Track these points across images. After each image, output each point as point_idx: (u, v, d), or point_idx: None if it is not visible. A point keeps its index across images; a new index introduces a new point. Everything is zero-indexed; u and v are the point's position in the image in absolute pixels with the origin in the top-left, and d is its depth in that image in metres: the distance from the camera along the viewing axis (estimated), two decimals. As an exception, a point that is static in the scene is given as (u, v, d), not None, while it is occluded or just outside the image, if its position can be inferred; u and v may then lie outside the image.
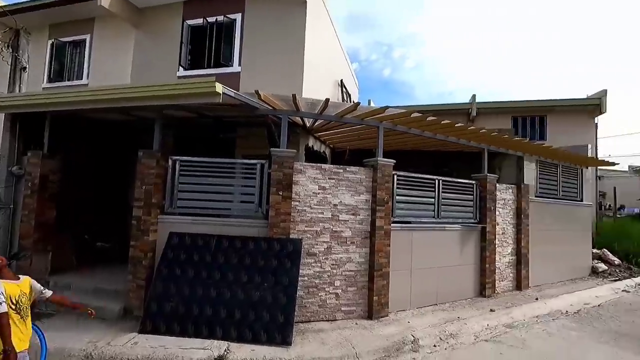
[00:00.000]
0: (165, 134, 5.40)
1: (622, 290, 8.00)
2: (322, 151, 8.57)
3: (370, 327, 4.82)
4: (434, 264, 6.09)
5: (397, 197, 5.66)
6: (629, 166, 40.92)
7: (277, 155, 4.91)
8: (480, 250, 6.75)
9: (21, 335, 2.61)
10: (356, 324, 4.94)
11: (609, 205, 33.92)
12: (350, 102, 10.72)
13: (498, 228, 7.05)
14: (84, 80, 8.75)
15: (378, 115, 5.28)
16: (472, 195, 6.76)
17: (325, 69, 8.87)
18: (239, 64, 7.54)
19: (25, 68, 5.98)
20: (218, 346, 3.95)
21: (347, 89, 10.81)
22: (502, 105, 14.40)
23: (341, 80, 10.33)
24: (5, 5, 7.98)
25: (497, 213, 7.02)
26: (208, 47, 7.75)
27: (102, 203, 7.43)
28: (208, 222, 5.04)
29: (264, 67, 7.40)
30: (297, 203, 4.99)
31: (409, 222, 5.87)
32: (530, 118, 14.17)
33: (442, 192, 6.25)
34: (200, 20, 7.86)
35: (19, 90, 6.04)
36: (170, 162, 5.07)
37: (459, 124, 5.71)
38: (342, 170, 5.28)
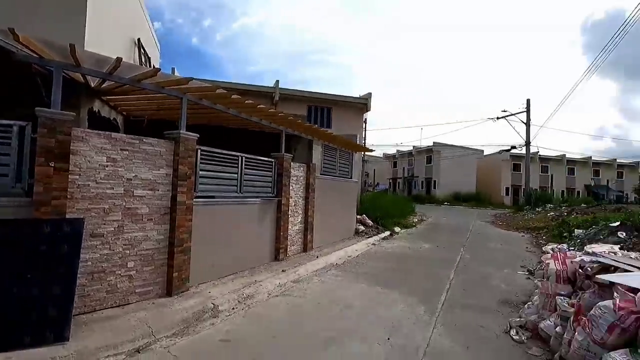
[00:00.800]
0: None
1: (372, 244, 10.87)
2: (112, 118, 7.39)
3: (169, 304, 4.72)
4: (236, 235, 6.47)
5: (200, 172, 5.63)
6: (383, 153, 54.40)
7: (46, 117, 3.93)
8: (276, 220, 7.64)
9: None
10: (153, 303, 4.72)
11: (371, 183, 44.44)
12: (150, 66, 9.63)
13: (291, 201, 8.14)
14: None
15: (182, 86, 5.04)
16: (271, 171, 7.51)
17: (118, 22, 7.56)
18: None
19: None
20: (-53, 365, 2.97)
21: (147, 51, 9.60)
22: (300, 93, 16.29)
23: (139, 39, 9.07)
24: None
25: (291, 188, 8.08)
26: None
27: None
28: None
29: (30, 5, 5.62)
30: (78, 177, 4.21)
31: (213, 197, 5.98)
32: (321, 108, 16.69)
33: (245, 168, 6.65)
34: None
35: None
36: None
37: (261, 106, 6.17)
38: (138, 141, 4.78)
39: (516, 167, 41.73)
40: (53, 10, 5.71)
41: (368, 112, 17.83)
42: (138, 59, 8.87)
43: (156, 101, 6.56)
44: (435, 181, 42.46)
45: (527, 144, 28.20)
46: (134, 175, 4.72)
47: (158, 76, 4.71)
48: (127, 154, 4.66)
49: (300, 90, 16.28)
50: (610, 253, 4.70)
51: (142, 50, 9.05)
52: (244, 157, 6.58)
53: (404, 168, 49.26)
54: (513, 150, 32.16)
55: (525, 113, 28.19)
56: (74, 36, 5.61)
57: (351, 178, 11.58)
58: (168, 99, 5.91)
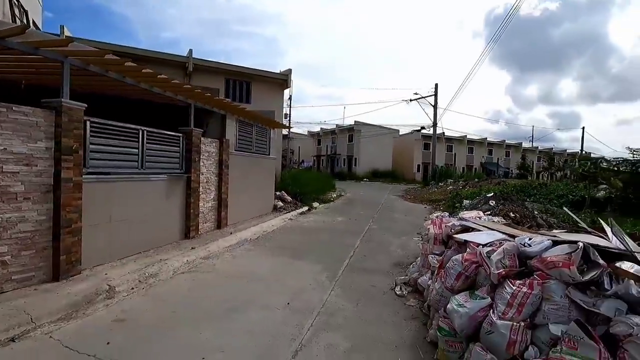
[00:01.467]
0: None
1: (289, 219, 11.19)
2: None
3: (55, 289, 4.35)
4: (138, 213, 6.13)
5: (91, 147, 5.15)
6: (308, 131, 55.02)
7: None
8: (185, 197, 7.39)
9: None
10: (36, 289, 4.31)
11: (296, 160, 44.88)
12: (28, 21, 8.25)
13: (202, 177, 7.92)
14: None
15: (60, 47, 4.46)
16: (179, 147, 7.17)
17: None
18: None
19: None
20: None
21: (22, 3, 8.14)
22: (217, 65, 15.50)
23: (10, -12, 7.63)
24: None
25: (202, 164, 7.83)
26: None
27: None
28: None
29: None
30: None
31: (108, 174, 5.53)
32: (239, 82, 16.15)
33: (147, 142, 6.24)
34: None
35: None
36: None
37: (163, 76, 5.79)
38: (6, 110, 4.16)
39: (426, 146, 45.86)
40: None
41: (289, 89, 17.81)
42: (10, 13, 7.47)
43: (33, 64, 5.69)
44: (356, 159, 44.63)
45: (434, 125, 31.13)
46: (3, 148, 4.13)
47: (27, 34, 4.10)
48: (-8, 124, 4.04)
49: (217, 62, 15.47)
50: (476, 218, 5.61)
51: (15, 1, 7.62)
52: (145, 131, 6.16)
53: (327, 146, 50.64)
54: (423, 131, 35.26)
55: (433, 96, 30.91)
56: None
57: (269, 155, 11.61)
58: (47, 62, 5.18)
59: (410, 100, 31.56)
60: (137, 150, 6.04)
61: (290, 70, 16.68)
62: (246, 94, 16.11)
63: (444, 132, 43.34)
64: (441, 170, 34.10)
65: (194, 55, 14.54)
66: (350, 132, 45.38)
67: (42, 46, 4.43)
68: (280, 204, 12.99)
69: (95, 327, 3.69)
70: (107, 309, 4.13)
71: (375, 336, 3.74)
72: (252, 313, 4.18)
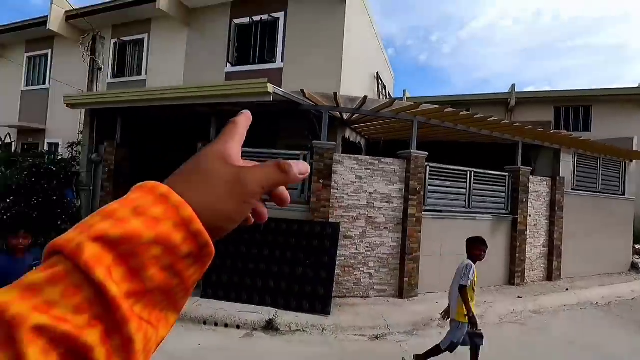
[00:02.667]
0: (214, 126, 6.09)
1: (662, 286, 7.87)
2: (357, 142, 9.00)
3: (400, 305, 5.31)
4: (463, 251, 6.42)
5: (429, 187, 6.03)
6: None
7: (318, 147, 5.44)
8: (510, 240, 6.97)
9: None
10: (387, 301, 5.45)
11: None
12: (386, 93, 11.01)
13: (530, 219, 7.20)
14: (143, 76, 9.70)
15: (412, 110, 5.64)
16: (504, 186, 6.95)
17: (362, 62, 9.22)
18: (282, 60, 8.09)
19: (100, 69, 6.92)
20: (268, 311, 4.63)
21: (383, 80, 11.08)
22: (543, 95, 14.00)
23: (377, 73, 10.62)
24: (79, 8, 9.02)
25: (529, 205, 7.16)
26: (253, 44, 8.35)
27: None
28: (256, 206, 5.72)
29: (305, 63, 7.89)
30: (336, 191, 5.52)
31: (440, 211, 6.23)
32: (573, 108, 13.67)
33: (474, 183, 6.52)
34: (246, 20, 8.46)
35: (96, 89, 6.98)
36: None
37: (492, 118, 5.93)
38: (377, 162, 5.72)
39: None
40: (321, 67, 7.72)
41: (655, 105, 13.01)
42: (376, 90, 10.43)
43: (391, 125, 7.52)
44: None
45: None
46: (374, 189, 5.67)
47: (393, 105, 5.50)
48: (369, 172, 5.67)
49: (542, 91, 13.98)
50: None
51: (379, 80, 10.57)
52: (472, 172, 6.48)
53: None
54: None
55: None
56: (333, 82, 7.33)
57: (622, 194, 8.88)
58: (401, 123, 6.69)
59: None
60: (464, 191, 6.44)
61: (658, 80, 12.24)
62: (584, 121, 13.35)
63: None
64: None
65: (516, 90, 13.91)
66: None
67: (401, 111, 5.78)
68: (644, 262, 9.43)
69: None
70: (438, 337, 4.53)
71: None
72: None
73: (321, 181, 5.38)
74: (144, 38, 9.85)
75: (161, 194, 0.30)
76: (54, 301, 0.24)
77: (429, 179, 6.04)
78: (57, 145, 10.46)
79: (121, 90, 7.17)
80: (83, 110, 6.89)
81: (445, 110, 5.52)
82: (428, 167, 6.01)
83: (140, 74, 9.78)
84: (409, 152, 5.75)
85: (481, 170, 6.62)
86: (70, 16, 10.25)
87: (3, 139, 11.98)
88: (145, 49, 9.80)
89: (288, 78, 7.88)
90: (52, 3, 10.08)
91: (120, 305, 0.25)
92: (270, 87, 4.63)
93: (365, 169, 5.66)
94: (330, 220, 5.42)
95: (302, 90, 5.07)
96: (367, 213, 5.63)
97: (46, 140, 11.39)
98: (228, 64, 8.64)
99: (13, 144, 11.83)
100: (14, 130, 11.90)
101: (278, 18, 8.16)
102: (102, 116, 6.85)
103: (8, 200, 6.16)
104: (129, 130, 6.93)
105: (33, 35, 11.61)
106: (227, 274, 5.08)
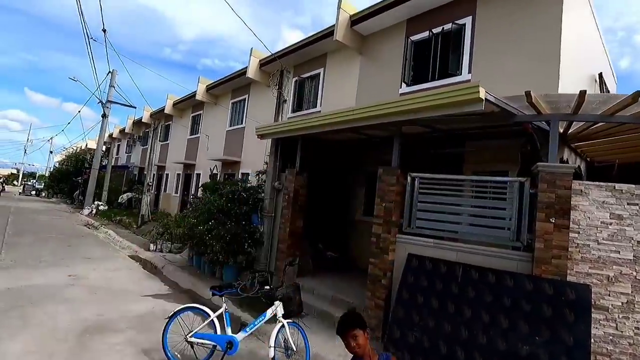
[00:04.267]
0: (391, 152, 5.26)
1: None
2: (577, 166, 6.66)
3: None
4: None
5: None
6: None
7: (546, 172, 3.87)
8: None
9: None
10: None
11: None
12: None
13: None
14: (318, 108, 10.07)
15: None
16: None
17: (581, 63, 6.97)
18: (469, 72, 6.80)
19: (285, 101, 7.31)
20: (478, 403, 3.26)
21: (607, 85, 8.23)
22: None
23: (600, 74, 7.94)
24: (272, 54, 10.22)
25: None
26: (432, 59, 7.41)
27: (330, 216, 8.18)
28: (446, 246, 4.50)
29: (499, 72, 6.38)
30: (577, 235, 3.76)
31: None
32: None
33: None
34: (424, 34, 7.65)
35: (281, 119, 7.39)
36: (409, 179, 4.86)
37: None
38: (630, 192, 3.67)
39: None
40: (525, 73, 6.05)
41: None
42: (599, 89, 7.74)
43: (631, 139, 5.10)
44: None
45: None
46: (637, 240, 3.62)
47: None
48: (636, 210, 3.67)
49: None
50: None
51: (603, 85, 7.83)
52: None
53: None
54: None
55: None
56: (546, 89, 5.56)
57: None
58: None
59: None
60: None
61: None
62: None
63: None
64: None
65: None
66: None
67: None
68: None
69: None
70: None
71: None
72: None
73: (552, 219, 3.74)
74: (319, 72, 10.33)
75: None
76: None
77: None
78: (247, 174, 11.93)
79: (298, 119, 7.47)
80: (269, 141, 7.34)
81: None
82: None
83: (316, 106, 10.20)
84: None
85: None
86: (263, 63, 11.87)
87: (212, 170, 14.72)
88: (320, 82, 10.23)
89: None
90: (250, 54, 11.91)
91: None
92: (483, 93, 3.47)
93: (628, 203, 3.69)
94: (568, 278, 3.67)
95: (527, 93, 3.66)
96: (634, 273, 3.60)
97: (240, 171, 13.29)
98: (403, 84, 7.93)
99: (218, 174, 14.37)
100: (219, 163, 14.49)
101: (464, 24, 6.99)
102: (284, 145, 7.11)
103: (210, 223, 6.92)
104: (306, 159, 6.94)
105: (237, 84, 14.16)
106: (414, 332, 3.98)
